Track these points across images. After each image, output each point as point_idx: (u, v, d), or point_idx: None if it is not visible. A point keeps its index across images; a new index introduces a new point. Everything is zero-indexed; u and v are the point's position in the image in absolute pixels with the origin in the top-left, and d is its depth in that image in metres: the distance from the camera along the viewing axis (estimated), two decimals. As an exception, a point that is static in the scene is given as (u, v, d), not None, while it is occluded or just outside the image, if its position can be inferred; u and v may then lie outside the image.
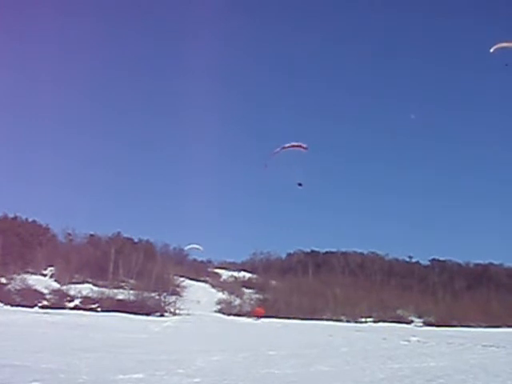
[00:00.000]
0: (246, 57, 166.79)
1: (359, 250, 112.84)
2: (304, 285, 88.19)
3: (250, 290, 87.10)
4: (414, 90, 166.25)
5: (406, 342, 37.81)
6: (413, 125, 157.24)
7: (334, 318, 76.01)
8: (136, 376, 15.59)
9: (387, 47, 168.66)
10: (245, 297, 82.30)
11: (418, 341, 39.61)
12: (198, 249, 67.69)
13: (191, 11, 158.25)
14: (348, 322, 75.73)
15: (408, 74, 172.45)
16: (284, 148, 29.70)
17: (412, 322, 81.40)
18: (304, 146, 29.48)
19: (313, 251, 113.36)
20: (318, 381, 16.33)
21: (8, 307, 57.22)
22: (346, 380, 16.68)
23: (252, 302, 78.21)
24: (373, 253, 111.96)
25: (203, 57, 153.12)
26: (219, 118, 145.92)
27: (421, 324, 79.66)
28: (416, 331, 58.48)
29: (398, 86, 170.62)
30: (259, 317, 67.02)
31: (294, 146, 29.42)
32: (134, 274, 77.87)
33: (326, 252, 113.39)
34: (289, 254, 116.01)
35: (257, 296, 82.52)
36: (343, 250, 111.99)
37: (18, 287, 65.12)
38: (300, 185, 29.26)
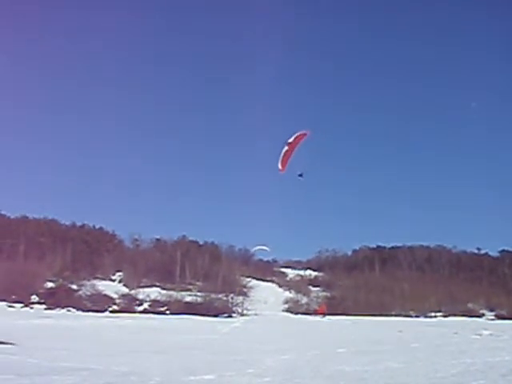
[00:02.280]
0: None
1: (425, 244, 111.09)
2: (371, 281, 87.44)
3: (317, 288, 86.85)
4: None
5: (477, 336, 37.06)
6: (474, 117, 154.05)
7: (403, 313, 75.14)
8: (206, 377, 15.67)
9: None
10: (312, 295, 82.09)
11: (491, 334, 38.76)
12: (264, 250, 67.76)
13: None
14: (417, 317, 74.73)
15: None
16: (289, 144, 27.91)
17: (483, 315, 79.69)
18: (305, 132, 27.85)
19: (378, 247, 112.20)
20: (389, 378, 16.10)
21: (80, 312, 58.47)
22: (418, 376, 16.42)
23: (319, 300, 77.90)
24: (440, 246, 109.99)
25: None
26: (282, 117, 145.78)
27: (492, 317, 77.89)
28: (488, 324, 57.22)
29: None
30: (323, 314, 66.82)
31: (297, 138, 27.73)
32: (201, 277, 78.59)
33: (392, 247, 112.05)
34: (354, 251, 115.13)
35: (324, 294, 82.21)
36: (409, 244, 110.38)
37: (88, 293, 66.53)
38: (301, 175, 27.83)
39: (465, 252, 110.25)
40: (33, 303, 62.99)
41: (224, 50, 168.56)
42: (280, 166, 27.01)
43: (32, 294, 64.87)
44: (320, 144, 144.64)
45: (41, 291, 66.35)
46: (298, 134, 27.65)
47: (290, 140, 27.57)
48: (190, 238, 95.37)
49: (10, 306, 59.44)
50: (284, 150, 27.48)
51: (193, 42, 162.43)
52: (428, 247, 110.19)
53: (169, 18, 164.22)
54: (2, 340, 23.20)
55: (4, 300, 61.38)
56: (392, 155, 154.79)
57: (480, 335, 37.85)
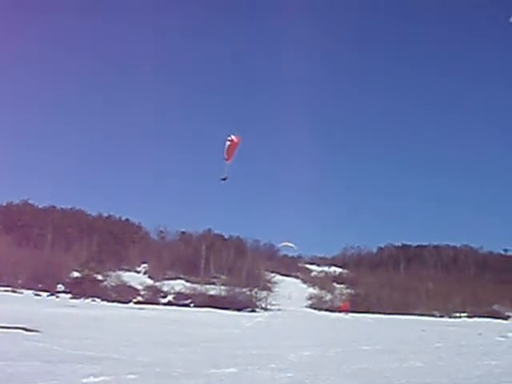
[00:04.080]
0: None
1: (452, 244, 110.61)
2: (395, 279, 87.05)
3: (341, 285, 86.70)
4: None
5: (502, 338, 36.64)
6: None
7: (427, 312, 74.62)
8: (229, 370, 15.72)
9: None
10: (336, 292, 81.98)
11: (516, 337, 38.37)
12: (290, 247, 67.65)
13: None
14: (441, 316, 74.24)
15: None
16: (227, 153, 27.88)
17: (509, 317, 78.86)
18: (236, 139, 27.69)
19: (404, 245, 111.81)
20: (412, 376, 16.02)
21: (104, 303, 58.91)
22: (441, 376, 16.31)
23: (343, 297, 77.79)
24: (466, 246, 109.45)
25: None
26: (312, 114, 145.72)
27: (518, 319, 77.12)
28: (513, 327, 56.67)
29: None
30: (346, 311, 66.76)
31: (230, 146, 27.72)
32: (225, 270, 78.83)
33: (418, 246, 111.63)
34: (380, 249, 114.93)
35: (348, 291, 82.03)
36: (435, 243, 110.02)
37: (113, 283, 67.17)
38: (224, 179, 27.96)
39: (491, 253, 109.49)
40: (59, 292, 63.74)
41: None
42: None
43: (58, 283, 65.70)
44: (348, 141, 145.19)
45: (67, 281, 67.15)
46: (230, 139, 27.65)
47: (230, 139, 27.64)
48: (216, 232, 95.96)
49: (36, 295, 60.15)
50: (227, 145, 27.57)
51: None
52: (454, 247, 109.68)
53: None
54: (29, 327, 23.51)
55: (31, 288, 62.23)
56: (420, 154, 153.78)
57: (505, 337, 37.42)
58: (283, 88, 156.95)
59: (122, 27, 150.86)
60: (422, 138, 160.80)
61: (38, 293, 61.36)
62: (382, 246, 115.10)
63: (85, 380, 12.60)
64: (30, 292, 61.18)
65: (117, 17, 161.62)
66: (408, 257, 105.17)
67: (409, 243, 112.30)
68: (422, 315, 71.67)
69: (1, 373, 12.71)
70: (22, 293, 60.37)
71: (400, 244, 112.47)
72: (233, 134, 26.65)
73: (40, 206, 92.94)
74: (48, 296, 60.50)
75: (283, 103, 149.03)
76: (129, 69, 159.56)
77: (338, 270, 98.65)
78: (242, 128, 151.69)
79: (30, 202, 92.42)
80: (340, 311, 68.06)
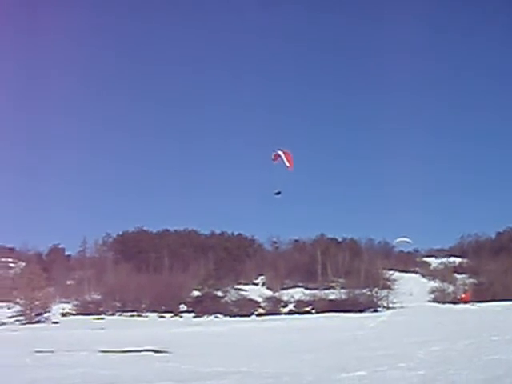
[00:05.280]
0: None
1: None
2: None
3: (463, 275, 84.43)
4: None
5: None
6: None
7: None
8: (358, 373, 15.55)
9: None
10: (458, 283, 79.86)
11: None
12: (406, 242, 66.67)
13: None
14: None
15: None
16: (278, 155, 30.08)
17: None
18: (289, 165, 29.62)
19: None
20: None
21: (227, 318, 59.71)
22: None
23: (466, 288, 75.66)
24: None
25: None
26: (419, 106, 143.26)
27: None
28: None
29: None
30: (468, 302, 65.04)
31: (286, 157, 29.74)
32: (343, 273, 78.46)
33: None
34: (499, 234, 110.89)
35: (470, 280, 79.71)
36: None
37: (233, 298, 68.08)
38: (278, 193, 29.96)
39: None
40: (181, 312, 65.17)
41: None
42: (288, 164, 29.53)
43: (180, 304, 67.12)
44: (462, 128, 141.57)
45: (188, 300, 68.55)
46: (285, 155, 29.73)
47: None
48: (329, 236, 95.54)
49: (160, 317, 61.68)
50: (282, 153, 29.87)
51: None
52: None
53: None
54: (158, 349, 24.09)
55: (155, 311, 63.92)
56: None
57: None
58: (384, 82, 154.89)
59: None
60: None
61: (162, 314, 62.94)
62: (501, 230, 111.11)
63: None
64: (155, 314, 62.86)
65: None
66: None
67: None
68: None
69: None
70: (146, 316, 62.16)
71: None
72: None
73: (154, 231, 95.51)
74: (172, 317, 61.94)
75: (385, 97, 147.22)
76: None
77: (458, 260, 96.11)
78: (349, 126, 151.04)
79: (144, 228, 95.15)
80: (462, 302, 66.33)
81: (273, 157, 30.20)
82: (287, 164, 29.47)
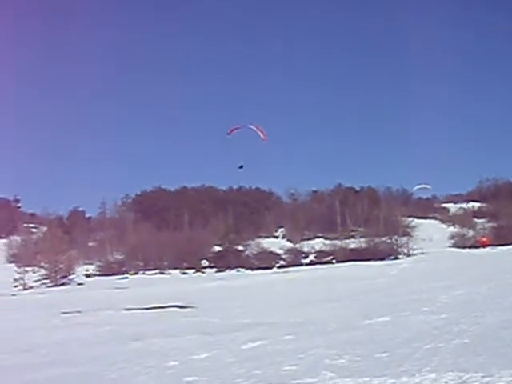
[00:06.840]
0: None
1: None
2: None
3: (482, 220, 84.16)
4: None
5: None
6: None
7: None
8: (382, 319, 15.72)
9: None
10: (477, 227, 79.64)
11: None
12: (425, 188, 66.39)
13: None
14: None
15: None
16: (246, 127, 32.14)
17: None
18: (263, 137, 31.50)
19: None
20: None
21: (249, 271, 60.14)
22: None
23: (486, 232, 75.50)
24: None
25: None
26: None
27: None
28: None
29: None
30: (486, 245, 65.13)
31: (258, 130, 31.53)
32: (362, 222, 78.51)
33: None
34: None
35: (490, 225, 79.48)
36: None
37: (254, 252, 68.47)
38: (241, 167, 31.72)
39: None
40: (204, 268, 65.64)
41: None
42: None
43: (202, 260, 67.63)
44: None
45: (210, 256, 69.05)
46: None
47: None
48: (346, 185, 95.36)
49: (183, 273, 62.28)
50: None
51: None
52: None
53: None
54: (182, 304, 24.40)
55: (177, 268, 64.50)
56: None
57: None
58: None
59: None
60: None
61: (185, 271, 63.53)
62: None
63: (244, 346, 12.97)
64: (177, 271, 63.46)
65: None
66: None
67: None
68: None
69: (164, 348, 13.31)
70: (169, 273, 62.77)
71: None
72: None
73: (172, 190, 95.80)
74: (194, 273, 62.50)
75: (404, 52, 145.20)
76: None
77: (477, 204, 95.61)
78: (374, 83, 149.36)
79: (162, 187, 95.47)
80: (482, 246, 66.35)
81: (228, 131, 31.93)
82: (262, 136, 31.25)
